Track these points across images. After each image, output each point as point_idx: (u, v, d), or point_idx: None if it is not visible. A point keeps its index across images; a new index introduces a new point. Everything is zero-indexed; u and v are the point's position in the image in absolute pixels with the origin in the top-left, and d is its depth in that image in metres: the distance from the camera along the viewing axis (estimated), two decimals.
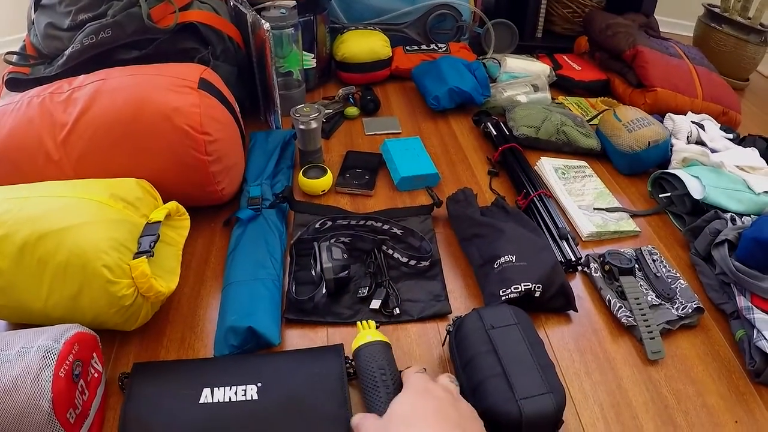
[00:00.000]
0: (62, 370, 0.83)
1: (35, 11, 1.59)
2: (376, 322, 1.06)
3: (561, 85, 2.12)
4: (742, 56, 2.37)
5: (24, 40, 1.62)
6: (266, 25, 1.54)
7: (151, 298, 1.02)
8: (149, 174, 1.22)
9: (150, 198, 1.18)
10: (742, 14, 2.36)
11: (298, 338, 1.09)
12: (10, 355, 0.83)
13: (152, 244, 1.03)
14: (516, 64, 2.10)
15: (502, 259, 1.15)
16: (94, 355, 0.94)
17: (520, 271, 1.12)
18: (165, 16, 1.49)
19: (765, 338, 1.04)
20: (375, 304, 1.14)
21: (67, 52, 1.48)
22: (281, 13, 1.74)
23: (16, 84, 1.54)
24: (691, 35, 2.57)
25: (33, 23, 1.59)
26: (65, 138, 1.21)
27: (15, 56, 1.58)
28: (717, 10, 2.42)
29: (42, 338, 0.86)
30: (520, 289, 1.09)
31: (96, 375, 0.94)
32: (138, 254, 1.01)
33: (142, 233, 1.05)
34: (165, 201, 1.19)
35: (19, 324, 1.06)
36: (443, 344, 1.07)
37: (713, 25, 2.39)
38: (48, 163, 1.22)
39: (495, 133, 1.70)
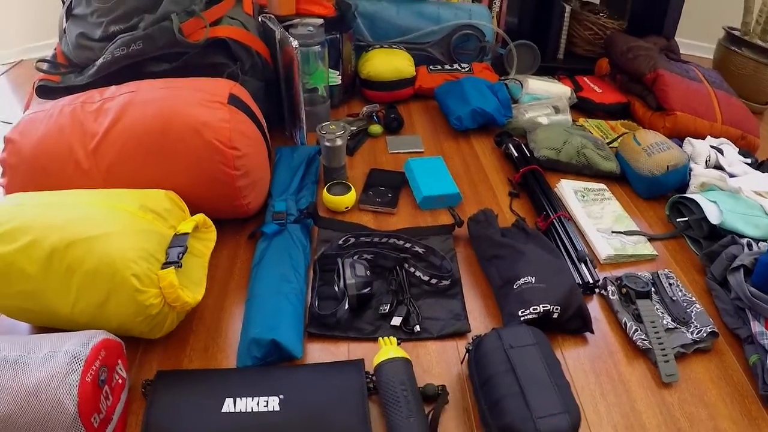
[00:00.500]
0: (89, 375, 0.86)
1: (67, 20, 1.63)
2: (397, 339, 1.08)
3: (582, 107, 2.13)
4: (762, 80, 2.36)
5: (55, 49, 1.65)
6: (294, 43, 1.57)
7: (178, 308, 1.05)
8: (177, 186, 1.25)
9: (178, 210, 1.20)
10: (762, 37, 2.36)
11: (319, 352, 1.12)
12: (38, 358, 0.86)
13: (180, 255, 1.05)
14: (538, 85, 2.11)
15: (522, 281, 1.17)
16: (119, 361, 0.97)
17: (539, 292, 1.14)
18: (195, 30, 1.52)
19: None
20: (396, 320, 1.17)
21: (98, 62, 1.51)
22: (309, 30, 1.77)
23: (46, 91, 1.58)
24: (711, 57, 2.57)
25: (65, 32, 1.63)
26: (95, 147, 1.24)
27: (46, 64, 1.60)
28: (737, 33, 2.42)
29: (69, 343, 0.89)
30: (538, 310, 1.11)
31: (120, 381, 0.96)
32: (166, 264, 1.03)
33: (170, 244, 1.08)
34: (192, 213, 1.22)
35: (43, 328, 1.09)
36: (462, 362, 1.09)
37: (733, 48, 2.39)
38: (78, 171, 1.24)
39: (516, 155, 1.72)
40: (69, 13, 1.63)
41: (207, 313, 1.19)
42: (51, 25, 1.67)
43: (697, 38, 2.98)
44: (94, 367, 0.87)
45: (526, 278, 1.18)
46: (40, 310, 1.02)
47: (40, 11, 2.53)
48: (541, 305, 1.11)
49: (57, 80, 1.58)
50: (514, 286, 1.18)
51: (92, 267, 0.97)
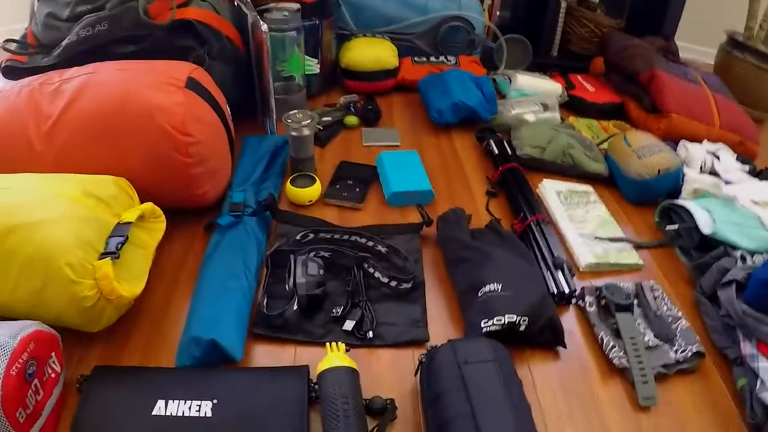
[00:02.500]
0: (14, 368, 0.82)
1: (38, 1, 1.59)
2: (348, 345, 1.00)
3: (573, 105, 2.06)
4: (764, 86, 2.30)
5: (26, 29, 1.62)
6: (264, 26, 1.51)
7: (114, 301, 1.00)
8: (130, 172, 1.20)
9: (126, 197, 1.15)
10: (765, 43, 2.30)
11: (264, 354, 1.05)
12: None
13: (119, 246, 1.01)
14: (527, 81, 2.05)
15: (487, 288, 1.08)
16: (53, 354, 0.93)
17: (504, 301, 1.05)
18: (162, 12, 1.48)
19: None
20: (348, 325, 1.09)
21: (63, 43, 1.48)
22: (284, 15, 1.71)
23: (12, 72, 1.54)
24: (712, 62, 2.51)
25: (35, 13, 1.60)
26: (49, 130, 1.20)
27: (14, 44, 1.57)
28: (739, 38, 2.35)
29: None
30: (503, 321, 1.01)
31: (53, 375, 0.92)
32: (103, 255, 0.99)
33: (111, 233, 1.04)
34: (147, 201, 1.18)
35: None
36: (415, 374, 0.99)
37: (735, 53, 2.33)
38: (31, 154, 1.21)
39: (497, 152, 1.64)
40: None
41: (153, 307, 1.14)
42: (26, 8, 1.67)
43: (698, 42, 2.93)
44: (20, 360, 0.83)
45: (492, 285, 1.08)
46: None
47: None
48: (506, 315, 1.01)
49: (24, 61, 1.55)
50: (479, 293, 1.08)
51: (30, 253, 0.95)
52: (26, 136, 1.20)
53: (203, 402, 0.91)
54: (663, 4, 2.28)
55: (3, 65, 1.55)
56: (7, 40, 1.56)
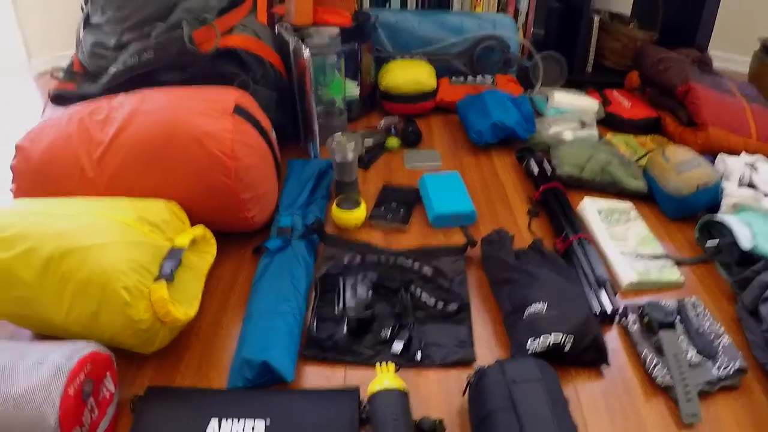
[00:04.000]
0: (72, 388, 0.85)
1: (84, 29, 1.64)
2: (397, 365, 1.03)
3: (610, 122, 2.06)
4: None
5: (72, 57, 1.66)
6: (306, 52, 1.54)
7: (169, 323, 1.03)
8: (180, 197, 1.24)
9: (177, 221, 1.19)
10: None
11: (314, 375, 1.08)
12: (26, 366, 0.86)
13: (173, 270, 1.04)
14: (564, 98, 2.05)
15: (533, 308, 1.10)
16: (108, 374, 0.96)
17: (550, 320, 1.07)
18: (207, 39, 1.51)
19: None
20: (397, 346, 1.11)
21: (111, 71, 1.51)
22: (324, 40, 1.74)
23: (61, 99, 1.58)
24: (746, 71, 2.49)
25: (81, 41, 1.64)
26: (100, 156, 1.24)
27: (62, 72, 1.62)
28: None
29: (56, 354, 0.88)
30: (549, 340, 1.03)
31: (108, 395, 0.95)
32: (158, 278, 1.02)
33: (165, 257, 1.07)
34: (195, 225, 1.22)
35: (40, 335, 1.10)
36: (464, 394, 1.02)
37: None
38: (83, 179, 1.24)
39: (537, 171, 1.66)
40: (86, 23, 1.64)
41: (204, 329, 1.17)
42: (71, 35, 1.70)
43: (731, 50, 2.90)
44: (78, 380, 0.87)
45: (537, 305, 1.10)
46: (35, 317, 1.03)
47: (71, 21, 2.54)
48: (552, 334, 1.04)
49: (72, 88, 1.59)
50: (524, 314, 1.11)
51: (85, 277, 0.97)
52: (78, 163, 1.24)
53: (256, 421, 0.94)
54: (696, 16, 2.27)
55: (52, 93, 1.58)
56: (56, 69, 1.61)
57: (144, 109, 1.27)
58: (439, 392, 1.05)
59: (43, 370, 0.85)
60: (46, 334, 1.07)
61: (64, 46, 2.68)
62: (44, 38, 2.75)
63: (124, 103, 1.30)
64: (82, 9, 1.68)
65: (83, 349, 0.91)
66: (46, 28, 2.73)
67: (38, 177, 1.27)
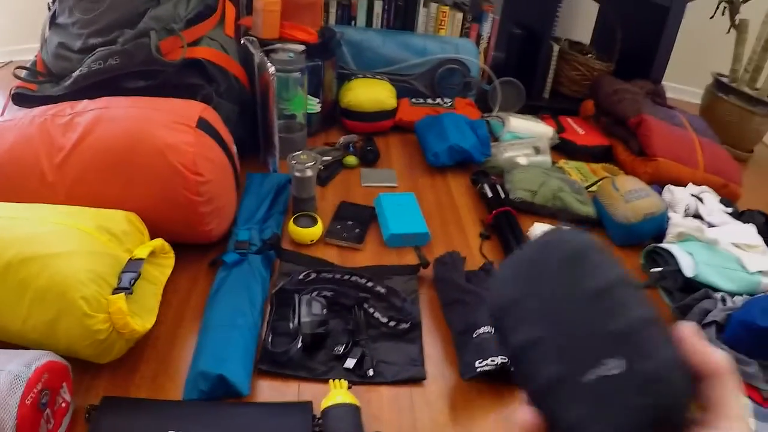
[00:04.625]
0: (29, 397, 0.84)
1: (50, 29, 1.61)
2: (349, 382, 1.05)
3: (563, 148, 2.12)
4: (748, 127, 2.38)
5: (35, 56, 1.64)
6: (271, 69, 1.56)
7: (126, 335, 1.03)
8: (139, 207, 1.23)
9: (137, 232, 1.19)
10: (750, 85, 2.38)
11: (268, 390, 1.09)
12: None
13: (132, 282, 1.04)
14: (520, 124, 2.10)
15: (481, 330, 1.13)
16: (64, 384, 0.95)
17: (498, 343, 1.09)
18: (173, 49, 1.51)
19: None
20: (350, 363, 1.13)
21: (74, 74, 1.49)
22: (289, 56, 1.76)
23: (22, 99, 1.56)
24: (699, 102, 2.58)
25: (46, 41, 1.61)
26: (62, 162, 1.23)
27: (24, 71, 1.59)
28: (725, 79, 2.43)
29: (13, 363, 0.87)
30: (496, 362, 1.06)
31: (63, 405, 0.94)
32: (117, 290, 1.02)
33: (124, 268, 1.07)
34: (153, 235, 1.21)
35: None
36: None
37: (721, 94, 2.41)
38: (43, 184, 1.23)
39: (490, 195, 1.70)
40: (52, 22, 1.62)
41: (159, 340, 1.17)
42: (41, 27, 1.67)
43: (685, 83, 3.00)
44: (35, 390, 0.86)
45: (486, 327, 1.13)
46: None
47: (30, 13, 2.49)
48: (499, 357, 1.07)
49: (34, 89, 1.57)
50: (474, 335, 1.14)
51: (44, 284, 0.97)
52: (38, 166, 1.23)
53: None
54: (652, 49, 2.34)
55: (13, 92, 1.55)
56: (18, 67, 1.57)
57: (108, 117, 1.26)
58: (390, 408, 1.07)
59: (1, 378, 0.84)
60: (1, 341, 1.05)
61: (22, 39, 2.67)
62: (2, 30, 2.71)
63: (88, 108, 1.29)
64: (49, 7, 1.65)
65: (41, 358, 0.90)
66: (3, 20, 2.69)
67: None
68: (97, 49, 1.49)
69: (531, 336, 0.43)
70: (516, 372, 0.44)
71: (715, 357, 0.41)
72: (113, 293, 1.01)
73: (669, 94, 2.34)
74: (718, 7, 2.52)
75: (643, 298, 0.42)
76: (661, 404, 0.39)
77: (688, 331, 0.42)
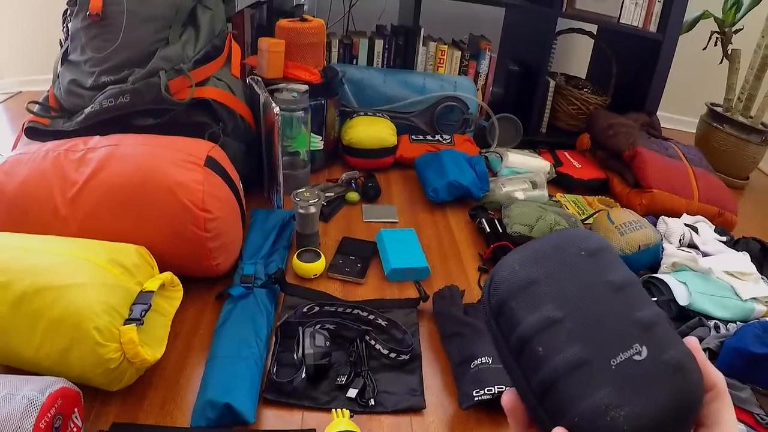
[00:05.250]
0: (43, 421, 0.86)
1: (62, 65, 1.65)
2: (351, 411, 1.09)
3: (560, 182, 2.16)
4: (743, 156, 2.42)
5: (48, 91, 1.67)
6: (276, 109, 1.59)
7: (137, 364, 1.05)
8: (149, 242, 1.26)
9: (147, 266, 1.21)
10: (744, 114, 2.42)
11: (273, 418, 1.11)
12: None
13: (143, 313, 1.07)
14: (517, 159, 2.14)
15: (479, 360, 1.17)
16: (76, 410, 0.97)
17: (495, 373, 1.13)
18: (182, 89, 1.55)
19: None
20: (352, 393, 1.16)
21: (86, 111, 1.53)
22: (293, 96, 1.79)
23: (34, 133, 1.59)
24: (694, 132, 2.62)
25: (58, 76, 1.65)
26: (74, 196, 1.26)
27: (37, 106, 1.62)
28: (719, 109, 2.47)
29: (27, 387, 0.89)
30: (493, 392, 1.09)
31: (75, 429, 0.96)
32: (128, 321, 1.05)
33: (135, 300, 1.10)
34: (162, 269, 1.24)
35: (8, 368, 1.09)
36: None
37: (715, 124, 2.45)
38: (55, 217, 1.27)
39: (488, 230, 1.73)
40: (64, 58, 1.65)
41: (168, 369, 1.19)
42: (52, 59, 1.70)
43: (680, 113, 3.05)
44: (49, 415, 0.88)
45: (483, 358, 1.17)
46: (6, 350, 1.04)
47: (41, 44, 2.57)
48: (496, 386, 1.10)
49: (46, 123, 1.60)
50: (471, 365, 1.17)
51: (58, 315, 0.99)
52: (52, 200, 1.27)
53: None
54: (646, 82, 2.40)
55: (26, 126, 1.59)
56: (31, 102, 1.60)
57: (119, 154, 1.29)
58: None
59: (14, 402, 0.86)
60: (14, 367, 1.07)
61: (31, 71, 2.71)
62: (10, 61, 2.75)
63: (100, 145, 1.33)
64: (61, 44, 1.69)
65: (54, 384, 0.92)
66: (12, 52, 2.74)
67: (11, 210, 1.29)
68: (108, 87, 1.52)
69: (551, 316, 0.43)
70: (519, 363, 0.44)
71: (715, 373, 0.44)
72: (125, 324, 1.04)
73: (664, 125, 2.38)
74: (710, 39, 2.57)
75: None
76: (686, 390, 0.41)
77: (694, 343, 0.45)
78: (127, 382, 1.08)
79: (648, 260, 1.62)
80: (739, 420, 1.10)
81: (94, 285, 1.04)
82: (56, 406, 0.90)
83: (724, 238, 1.71)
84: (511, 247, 1.64)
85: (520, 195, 1.93)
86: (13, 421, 0.84)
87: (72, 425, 0.96)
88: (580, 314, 0.43)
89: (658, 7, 2.30)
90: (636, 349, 0.42)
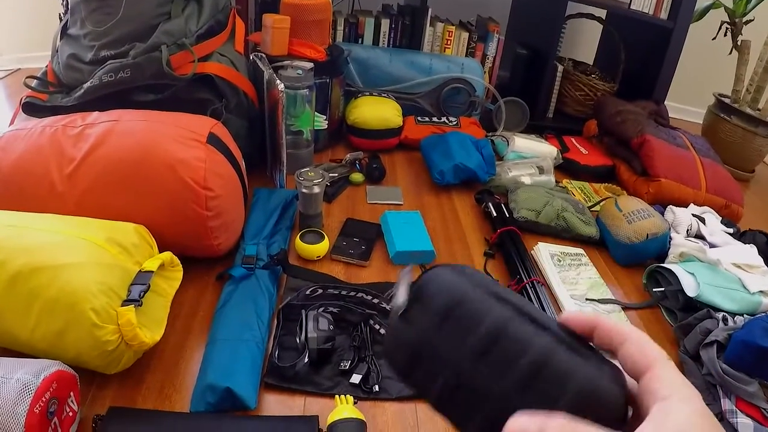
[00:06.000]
0: (38, 406, 0.85)
1: (61, 39, 1.62)
2: (355, 398, 1.06)
3: (567, 168, 2.13)
4: (750, 148, 2.40)
5: (46, 66, 1.64)
6: (280, 86, 1.57)
7: (135, 346, 1.03)
8: (148, 220, 1.23)
9: (146, 245, 1.19)
10: (751, 106, 2.40)
11: (275, 403, 1.09)
12: None
13: (142, 294, 1.04)
14: (524, 143, 2.12)
15: None
16: (72, 394, 0.95)
17: None
18: (184, 64, 1.52)
19: None
20: (355, 378, 1.14)
21: (85, 86, 1.49)
22: (298, 73, 1.77)
23: (32, 109, 1.56)
24: (701, 122, 2.60)
25: (57, 51, 1.62)
26: (72, 172, 1.23)
27: (35, 81, 1.59)
28: (727, 100, 2.45)
29: (22, 371, 0.87)
30: None
31: (71, 414, 0.95)
32: (126, 302, 1.02)
33: (133, 281, 1.07)
34: (161, 248, 1.21)
35: (2, 350, 1.07)
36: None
37: (722, 115, 2.43)
38: (52, 193, 1.24)
39: (495, 214, 1.71)
40: (63, 32, 1.62)
41: (166, 352, 1.17)
42: (51, 35, 1.67)
43: (688, 103, 3.03)
44: (44, 399, 0.86)
45: None
46: (0, 331, 1.02)
47: (39, 21, 2.53)
48: None
49: (44, 99, 1.57)
50: None
51: (53, 295, 0.97)
52: (48, 176, 1.23)
53: None
54: (654, 71, 2.37)
55: (23, 101, 1.55)
56: (29, 77, 1.58)
57: (119, 130, 1.26)
58: (395, 423, 1.08)
59: (8, 386, 0.84)
60: (9, 349, 1.05)
61: (31, 47, 2.68)
62: (9, 38, 2.72)
63: (99, 120, 1.29)
64: (60, 18, 1.66)
65: (49, 367, 0.90)
66: (11, 28, 2.71)
67: (6, 186, 1.26)
68: (108, 62, 1.49)
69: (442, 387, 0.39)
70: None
71: (651, 354, 0.38)
72: (123, 305, 1.01)
73: (671, 114, 2.36)
74: (720, 29, 2.54)
75: (541, 320, 0.39)
76: (602, 415, 0.36)
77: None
78: (125, 365, 1.06)
79: (655, 249, 1.60)
80: (747, 415, 1.09)
81: (91, 264, 1.02)
82: (51, 389, 0.88)
83: (730, 230, 1.69)
84: (517, 232, 1.62)
85: (526, 180, 1.92)
86: (6, 406, 0.83)
87: (68, 409, 0.94)
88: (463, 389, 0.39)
89: None
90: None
